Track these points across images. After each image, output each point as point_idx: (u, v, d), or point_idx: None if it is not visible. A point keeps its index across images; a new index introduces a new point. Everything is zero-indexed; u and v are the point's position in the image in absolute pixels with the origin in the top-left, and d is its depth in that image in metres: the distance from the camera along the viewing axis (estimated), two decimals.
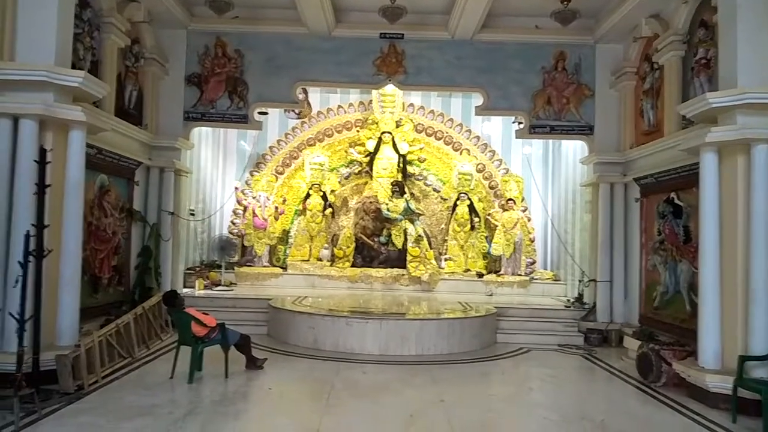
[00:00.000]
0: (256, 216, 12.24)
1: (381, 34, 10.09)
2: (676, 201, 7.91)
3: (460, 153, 13.12)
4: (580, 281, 10.64)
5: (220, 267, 11.59)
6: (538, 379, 7.21)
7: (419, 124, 13.22)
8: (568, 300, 10.95)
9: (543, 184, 13.07)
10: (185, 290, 10.56)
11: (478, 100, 10.70)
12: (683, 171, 7.66)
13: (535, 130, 10.16)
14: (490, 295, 11.64)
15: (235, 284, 11.77)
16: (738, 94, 5.76)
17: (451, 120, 13.33)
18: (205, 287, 10.93)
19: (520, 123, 11.33)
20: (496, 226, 12.40)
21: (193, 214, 11.64)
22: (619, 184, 9.71)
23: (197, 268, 11.53)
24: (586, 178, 10.42)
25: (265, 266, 12.27)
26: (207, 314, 6.58)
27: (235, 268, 12.05)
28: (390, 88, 12.34)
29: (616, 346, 9.24)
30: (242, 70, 10.22)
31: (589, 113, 10.08)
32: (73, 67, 6.82)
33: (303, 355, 7.76)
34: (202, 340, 6.36)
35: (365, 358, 7.68)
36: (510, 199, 12.40)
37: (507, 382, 7.08)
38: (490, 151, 13.29)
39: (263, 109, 11.84)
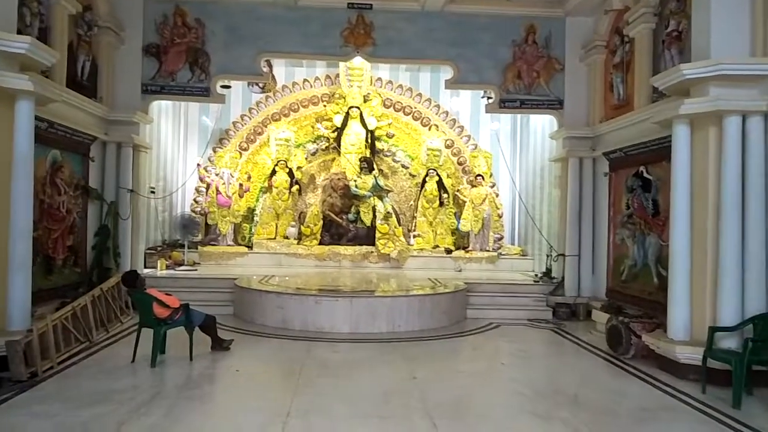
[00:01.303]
0: (220, 193, 11.85)
1: (349, 4, 9.76)
2: (645, 175, 7.93)
3: (429, 129, 12.96)
4: (548, 256, 10.68)
5: (182, 246, 11.22)
6: (509, 354, 7.19)
7: (387, 98, 12.97)
8: (536, 275, 11.00)
9: (511, 159, 13.04)
10: (146, 271, 10.17)
11: (447, 74, 10.52)
12: (653, 145, 7.66)
13: (505, 104, 10.04)
14: (459, 271, 11.62)
15: (199, 264, 11.42)
16: (712, 65, 5.72)
17: (420, 95, 13.13)
18: (167, 267, 10.56)
19: (489, 98, 11.23)
20: (465, 202, 12.34)
21: (153, 192, 11.19)
22: (588, 158, 9.71)
23: (158, 248, 11.13)
24: (555, 153, 10.40)
25: (229, 245, 11.94)
26: (170, 295, 6.30)
27: (199, 247, 11.70)
28: (358, 61, 12.04)
29: (584, 319, 9.34)
30: (203, 40, 9.77)
31: (558, 87, 10.01)
32: (19, 33, 6.32)
33: (271, 335, 7.56)
34: (164, 321, 6.08)
35: (336, 336, 7.53)
36: (479, 175, 12.32)
37: (478, 358, 7.04)
38: (458, 127, 13.16)
39: (226, 83, 11.43)
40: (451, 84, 10.15)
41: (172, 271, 10.36)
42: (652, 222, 7.74)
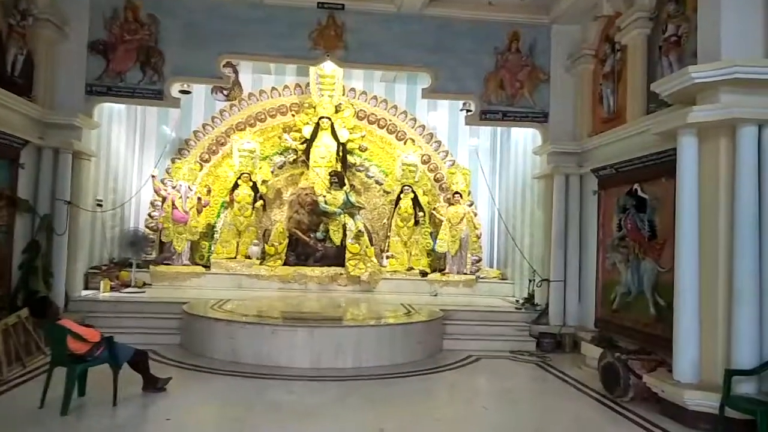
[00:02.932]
0: (176, 208, 10.83)
1: (319, 3, 8.97)
2: (640, 193, 7.21)
3: (405, 143, 12.17)
4: (530, 281, 9.89)
5: (132, 266, 10.16)
6: (492, 395, 6.33)
7: (361, 110, 12.19)
8: (517, 301, 10.20)
9: (491, 177, 12.32)
10: (86, 293, 9.13)
11: (424, 83, 9.79)
12: (649, 160, 6.96)
13: (486, 116, 9.30)
14: (435, 295, 10.76)
15: (150, 285, 10.34)
16: (726, 67, 5.02)
17: (395, 107, 12.39)
18: (112, 289, 9.48)
19: (468, 111, 10.53)
20: (441, 221, 11.54)
21: (100, 205, 10.15)
22: (574, 175, 8.99)
23: (104, 267, 10.04)
24: (539, 169, 9.66)
25: (185, 265, 10.89)
26: (89, 326, 5.29)
27: (151, 267, 10.63)
28: (329, 68, 11.28)
29: (570, 351, 8.52)
30: (157, 38, 8.84)
31: (543, 99, 9.32)
32: None
33: (219, 371, 6.55)
34: (82, 359, 5.06)
35: (293, 373, 6.56)
36: (456, 193, 11.57)
37: (457, 400, 6.14)
38: (435, 142, 12.43)
39: (186, 88, 10.55)
40: (428, 93, 9.39)
41: (116, 294, 9.29)
42: (648, 245, 7.00)
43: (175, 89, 9.12)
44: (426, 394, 6.18)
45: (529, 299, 9.66)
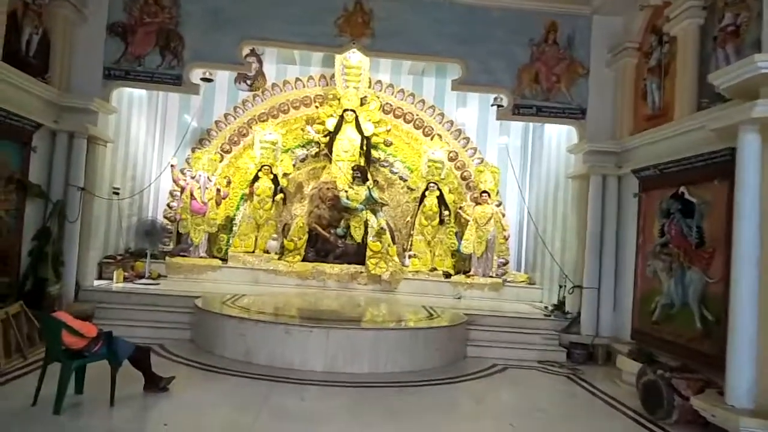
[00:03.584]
0: (194, 199, 10.53)
1: None
2: (687, 196, 6.62)
3: (431, 138, 11.70)
4: (560, 286, 9.35)
5: (151, 256, 9.88)
6: (520, 410, 5.80)
7: (387, 103, 11.74)
8: (546, 307, 9.66)
9: (520, 177, 11.75)
10: (99, 283, 8.86)
11: (454, 75, 9.30)
12: (699, 161, 6.38)
13: (519, 110, 8.77)
14: (459, 298, 10.28)
15: (165, 277, 10.08)
16: None
17: (423, 101, 11.90)
18: (125, 280, 9.22)
19: (499, 106, 10.01)
20: (468, 221, 11.03)
21: (117, 193, 9.89)
22: (612, 176, 8.42)
23: (119, 257, 9.78)
24: (574, 169, 9.10)
25: (201, 257, 10.58)
26: (87, 320, 4.94)
27: (167, 258, 10.36)
28: (355, 59, 10.89)
29: (603, 364, 7.98)
30: (177, 21, 8.52)
31: (581, 94, 8.75)
32: None
33: (229, 370, 6.18)
34: (78, 354, 4.72)
35: (306, 376, 6.15)
36: (484, 192, 11.04)
37: (481, 415, 5.65)
38: (464, 138, 11.92)
39: (208, 76, 10.23)
40: (458, 84, 8.88)
41: (130, 285, 9.01)
42: (695, 254, 6.41)
43: (194, 75, 8.77)
44: (447, 406, 5.71)
45: (560, 306, 9.11)
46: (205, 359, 6.54)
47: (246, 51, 8.90)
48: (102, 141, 8.53)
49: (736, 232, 4.97)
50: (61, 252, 7.87)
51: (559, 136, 10.43)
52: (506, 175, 11.80)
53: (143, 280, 9.30)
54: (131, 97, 10.25)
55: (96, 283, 8.79)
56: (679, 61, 7.02)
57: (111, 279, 9.09)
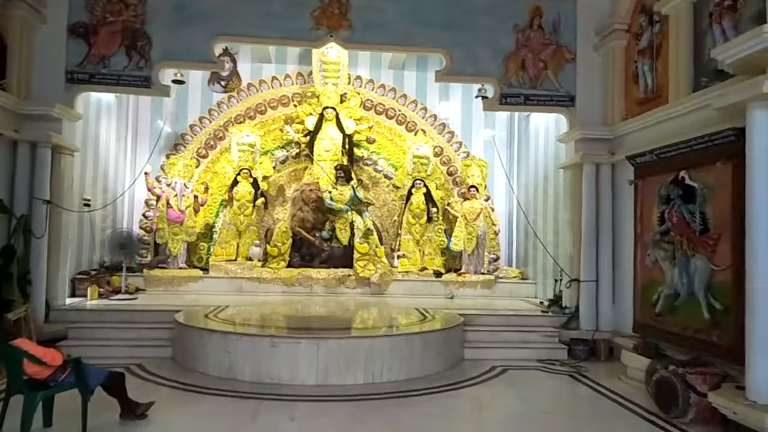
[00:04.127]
0: (171, 207, 10.06)
1: None
2: (687, 181, 6.32)
3: (415, 134, 11.35)
4: (556, 281, 9.04)
5: (125, 270, 9.38)
6: (526, 415, 5.44)
7: (368, 99, 11.37)
8: (541, 303, 9.37)
9: (508, 169, 11.44)
10: (72, 300, 8.35)
11: (436, 67, 8.96)
12: (699, 143, 6.08)
13: (506, 100, 8.42)
14: (451, 297, 9.94)
15: (143, 291, 9.59)
16: None
17: (405, 96, 11.55)
18: (100, 296, 8.72)
19: (484, 97, 9.69)
20: (456, 217, 10.71)
21: (87, 205, 9.39)
22: (605, 164, 8.12)
23: (93, 272, 9.27)
24: (565, 158, 8.79)
25: (181, 268, 10.11)
26: (51, 347, 4.48)
27: (144, 271, 9.86)
28: (333, 54, 10.51)
29: (605, 359, 7.68)
30: (143, 19, 8.03)
31: (569, 81, 8.44)
32: None
33: (211, 390, 5.73)
34: (45, 384, 4.26)
35: (296, 392, 5.74)
36: (472, 186, 10.72)
37: (487, 424, 5.28)
38: (448, 133, 11.60)
39: (180, 77, 9.81)
40: (442, 76, 8.51)
41: (105, 301, 8.52)
42: (699, 240, 6.12)
43: (163, 76, 8.28)
44: (449, 416, 5.32)
45: (556, 301, 8.81)
46: (186, 378, 6.09)
47: (218, 48, 8.40)
48: (68, 150, 8.01)
49: (749, 215, 4.66)
50: (28, 270, 7.33)
51: (547, 125, 10.15)
52: (493, 168, 11.52)
53: (120, 296, 8.80)
54: (99, 103, 9.75)
55: (69, 301, 8.28)
56: (672, 40, 6.74)
57: (85, 296, 8.59)
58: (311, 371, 6.00)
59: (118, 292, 8.95)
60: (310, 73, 11.05)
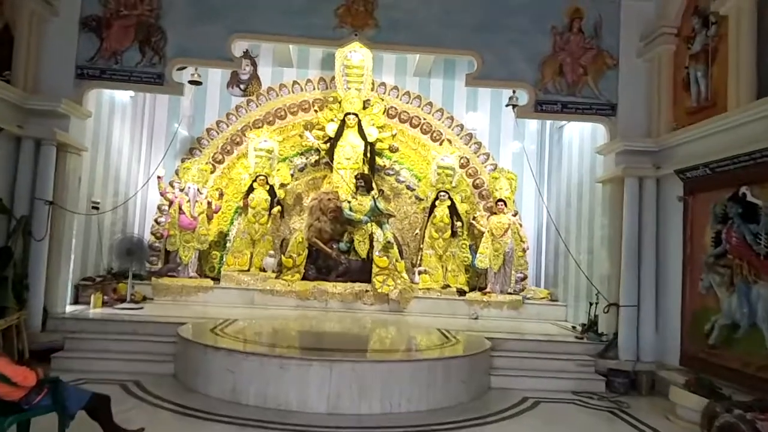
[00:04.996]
0: (183, 213, 9.59)
1: None
2: (750, 198, 5.67)
3: (440, 144, 10.76)
4: (591, 304, 8.34)
5: (134, 277, 8.92)
6: None
7: (391, 107, 10.83)
8: (574, 327, 8.67)
9: (538, 184, 10.77)
10: (74, 308, 7.90)
11: (462, 77, 8.44)
12: (763, 156, 5.44)
13: (542, 107, 7.83)
14: (476, 318, 9.29)
15: (151, 300, 9.11)
16: None
17: (430, 104, 11.00)
18: (105, 304, 8.26)
19: (514, 106, 9.13)
20: (482, 232, 10.06)
21: (96, 208, 8.96)
22: (650, 178, 7.47)
23: (98, 279, 8.82)
24: (604, 172, 8.13)
25: (191, 277, 9.61)
26: (26, 366, 3.94)
27: (153, 279, 9.39)
28: (357, 58, 10.02)
29: (647, 394, 6.96)
30: (159, 14, 7.65)
31: (610, 88, 7.82)
32: None
33: (212, 415, 5.17)
34: (17, 406, 3.73)
35: (305, 420, 5.14)
36: (500, 200, 10.08)
37: None
38: (475, 143, 10.98)
39: (197, 78, 9.39)
40: (473, 79, 7.95)
41: (109, 310, 8.04)
42: (763, 265, 5.44)
43: (180, 74, 7.92)
44: None
45: (591, 326, 8.10)
46: (185, 399, 5.54)
47: (236, 46, 7.96)
48: (75, 149, 7.60)
49: None
50: (26, 275, 6.90)
51: (582, 137, 9.52)
52: (522, 182, 10.89)
53: (125, 305, 8.31)
54: (112, 102, 9.36)
55: (70, 309, 7.83)
56: (732, 43, 6.11)
57: (88, 304, 8.13)
58: (322, 397, 5.41)
59: (124, 300, 8.47)
60: (333, 78, 10.57)
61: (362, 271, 9.61)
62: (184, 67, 9.05)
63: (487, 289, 9.88)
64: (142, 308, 8.37)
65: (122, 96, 9.67)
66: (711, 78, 6.53)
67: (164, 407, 5.33)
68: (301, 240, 9.83)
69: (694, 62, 6.80)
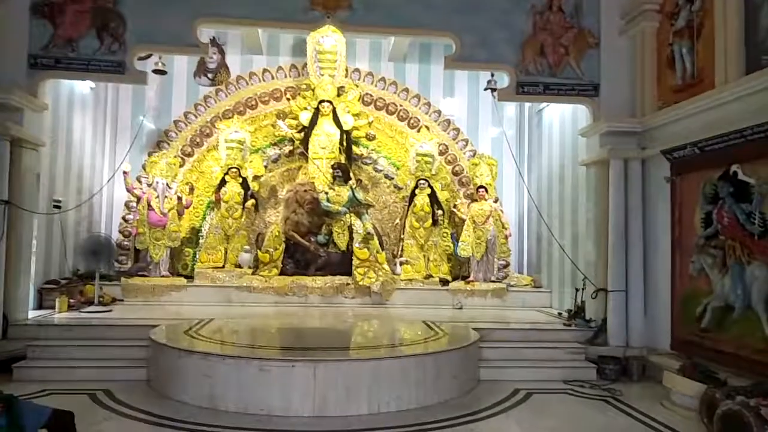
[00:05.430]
0: (152, 209, 9.14)
1: None
2: (741, 176, 5.50)
3: (418, 131, 10.49)
4: (577, 290, 8.18)
5: (103, 278, 8.49)
6: None
7: (367, 94, 10.50)
8: (560, 314, 8.52)
9: (516, 171, 10.57)
10: (37, 313, 7.45)
11: (438, 62, 8.16)
12: (755, 133, 5.28)
13: (524, 89, 7.57)
14: (460, 308, 9.10)
15: (121, 302, 8.68)
16: None
17: (407, 90, 10.68)
18: (71, 308, 7.81)
19: (493, 90, 8.92)
20: (463, 220, 9.83)
21: (58, 207, 8.46)
22: (635, 160, 7.29)
23: (63, 281, 8.34)
24: (587, 154, 7.94)
25: (163, 276, 9.19)
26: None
27: (122, 279, 8.94)
28: (329, 43, 9.67)
29: (638, 380, 6.83)
30: None
31: (593, 68, 7.61)
32: None
33: (188, 423, 4.82)
34: None
35: (289, 425, 4.84)
36: (481, 187, 9.86)
37: None
38: (453, 130, 10.73)
39: (161, 67, 8.97)
40: (452, 61, 7.64)
41: (75, 314, 7.59)
42: (757, 246, 5.30)
43: (141, 63, 7.44)
44: None
45: (578, 313, 7.94)
46: (159, 408, 5.18)
47: (201, 31, 7.52)
48: (31, 144, 7.10)
49: None
50: None
51: (562, 120, 9.33)
52: (501, 168, 10.67)
53: (92, 308, 7.88)
54: (71, 94, 8.85)
55: (33, 314, 7.37)
56: (718, 17, 5.94)
57: (53, 308, 7.66)
58: (307, 400, 5.10)
59: (91, 303, 8.02)
60: (305, 65, 10.18)
61: (342, 264, 9.31)
62: (148, 56, 8.64)
63: (471, 278, 9.68)
64: (110, 311, 7.96)
65: (82, 87, 9.15)
66: (697, 54, 6.35)
67: (137, 417, 4.97)
68: (277, 234, 9.47)
69: (678, 38, 6.62)
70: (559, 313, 8.57)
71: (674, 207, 6.56)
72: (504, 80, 8.13)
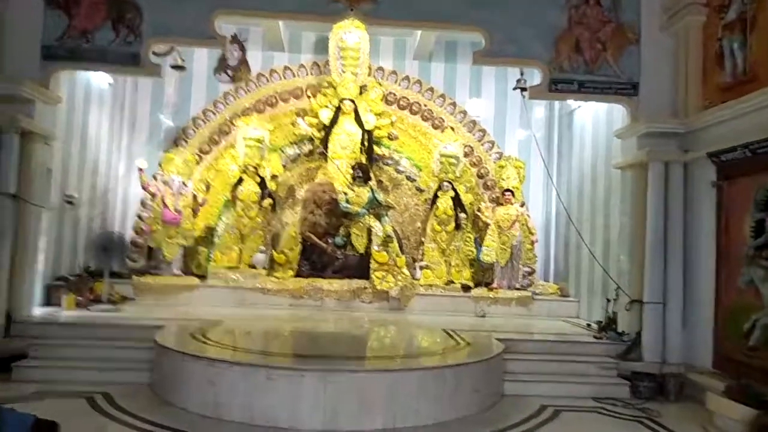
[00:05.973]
0: (167, 207, 8.90)
1: None
2: None
3: (442, 131, 10.08)
4: (609, 300, 7.68)
5: (113, 275, 8.27)
6: None
7: (390, 93, 10.15)
8: (589, 325, 8.04)
9: (545, 174, 10.09)
10: (43, 311, 7.22)
11: (464, 61, 7.77)
12: None
13: (557, 86, 7.15)
14: (482, 316, 8.67)
15: (132, 300, 8.44)
16: None
17: (431, 90, 10.30)
18: (78, 305, 7.56)
19: (523, 89, 8.48)
20: (487, 224, 9.40)
21: (70, 203, 8.26)
22: (676, 163, 6.79)
23: (72, 278, 8.12)
24: (623, 157, 7.46)
25: (176, 275, 8.92)
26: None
27: (134, 277, 8.71)
28: (352, 39, 9.36)
29: (676, 400, 6.32)
30: None
31: (632, 66, 7.14)
32: None
33: None
34: None
35: None
36: (507, 190, 9.43)
37: None
38: (479, 131, 10.31)
39: (180, 62, 8.77)
40: (481, 57, 7.25)
41: (82, 312, 7.36)
42: None
43: (169, 67, 7.20)
44: None
45: (609, 325, 7.44)
46: (159, 416, 4.86)
47: (219, 23, 7.25)
48: (43, 137, 6.89)
49: None
50: None
51: (596, 121, 8.86)
52: (529, 172, 10.19)
53: (100, 306, 7.63)
54: (88, 88, 8.65)
55: (40, 311, 7.14)
56: None
57: (60, 305, 7.44)
58: (317, 412, 4.73)
59: (99, 301, 7.78)
60: (327, 63, 9.86)
61: (360, 267, 8.95)
62: (168, 53, 8.44)
63: (494, 285, 9.24)
64: (119, 310, 7.71)
65: (100, 81, 8.96)
66: (750, 49, 5.85)
67: (133, 425, 4.65)
68: (294, 234, 9.18)
69: (728, 33, 6.13)
70: (588, 324, 8.08)
71: (720, 214, 6.08)
72: (534, 78, 7.71)
